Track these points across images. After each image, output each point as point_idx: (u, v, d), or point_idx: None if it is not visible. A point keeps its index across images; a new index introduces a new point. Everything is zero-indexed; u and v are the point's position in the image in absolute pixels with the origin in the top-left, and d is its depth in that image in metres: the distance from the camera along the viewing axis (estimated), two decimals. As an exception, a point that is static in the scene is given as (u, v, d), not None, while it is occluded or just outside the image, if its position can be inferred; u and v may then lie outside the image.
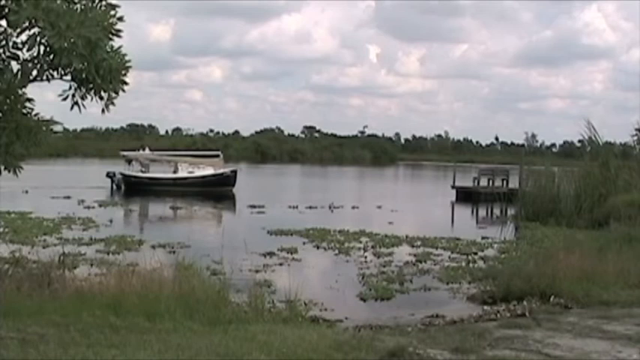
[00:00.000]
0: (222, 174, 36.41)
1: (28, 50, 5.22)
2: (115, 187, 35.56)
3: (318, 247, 17.50)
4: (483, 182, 36.67)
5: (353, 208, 29.95)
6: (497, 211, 30.50)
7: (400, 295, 11.94)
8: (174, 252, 14.64)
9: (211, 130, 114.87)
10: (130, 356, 5.92)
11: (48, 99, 7.16)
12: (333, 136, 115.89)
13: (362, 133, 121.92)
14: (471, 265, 15.06)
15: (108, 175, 36.23)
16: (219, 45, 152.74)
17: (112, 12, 5.30)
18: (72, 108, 5.62)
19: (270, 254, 15.58)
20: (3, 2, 5.12)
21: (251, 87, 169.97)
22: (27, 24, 5.03)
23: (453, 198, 35.90)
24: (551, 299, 9.83)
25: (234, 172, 37.05)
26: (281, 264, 14.66)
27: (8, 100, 5.38)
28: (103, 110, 5.66)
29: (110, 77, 5.46)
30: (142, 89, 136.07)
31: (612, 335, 7.66)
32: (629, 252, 12.65)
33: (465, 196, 35.46)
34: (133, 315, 7.50)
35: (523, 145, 78.82)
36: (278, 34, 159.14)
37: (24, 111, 5.49)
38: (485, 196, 33.38)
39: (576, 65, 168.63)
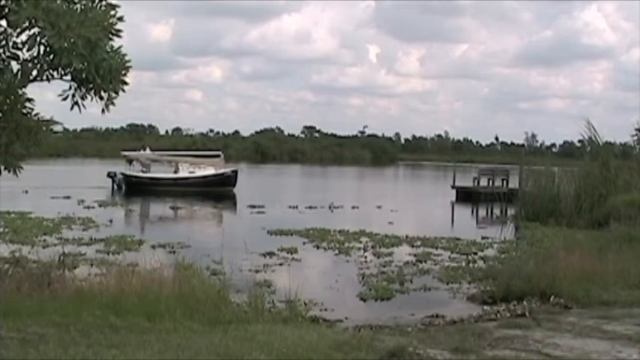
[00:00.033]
0: (223, 174, 36.41)
1: (28, 50, 5.22)
2: (116, 187, 35.56)
3: (318, 247, 17.50)
4: (483, 182, 36.68)
5: (353, 208, 29.95)
6: (497, 211, 30.51)
7: (400, 295, 11.93)
8: (174, 252, 14.66)
9: (211, 130, 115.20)
10: (130, 356, 5.93)
11: (48, 99, 7.16)
12: (333, 136, 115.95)
13: (362, 133, 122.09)
14: (471, 265, 15.06)
15: (109, 175, 36.24)
16: (219, 45, 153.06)
17: (112, 12, 5.29)
18: (72, 108, 5.62)
19: (270, 254, 15.58)
20: (3, 2, 5.11)
21: (251, 87, 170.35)
22: (27, 24, 5.02)
23: (453, 198, 35.90)
24: (551, 299, 9.84)
25: (235, 172, 37.05)
26: (281, 264, 14.66)
27: (8, 100, 5.38)
28: (103, 110, 5.65)
29: (110, 77, 5.45)
30: (142, 89, 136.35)
31: (612, 335, 7.66)
32: (629, 252, 12.66)
33: (465, 196, 35.46)
34: (133, 315, 7.50)
35: (523, 145, 78.98)
36: (278, 34, 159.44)
37: (24, 111, 5.49)
38: (485, 196, 33.36)
39: (576, 65, 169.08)
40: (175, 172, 36.66)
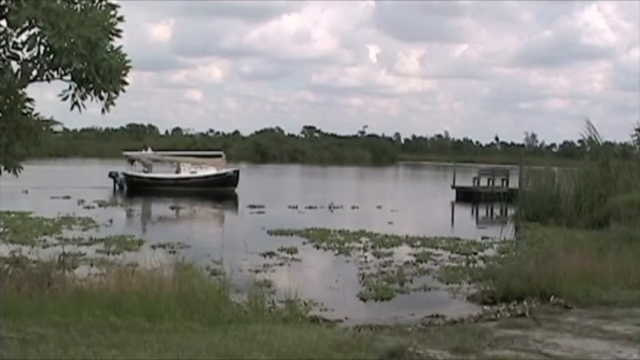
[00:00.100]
0: (224, 174, 36.41)
1: (28, 50, 5.22)
2: (117, 187, 35.56)
3: (318, 247, 17.50)
4: (483, 182, 36.68)
5: (353, 208, 29.94)
6: (497, 211, 30.51)
7: (400, 295, 11.93)
8: (174, 252, 14.66)
9: (211, 130, 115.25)
10: (130, 356, 5.93)
11: (48, 99, 7.17)
12: (333, 136, 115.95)
13: (362, 133, 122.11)
14: (471, 265, 15.06)
15: (110, 175, 36.23)
16: (219, 45, 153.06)
17: (112, 12, 5.29)
18: (72, 108, 5.62)
19: (270, 254, 15.58)
20: (3, 2, 5.11)
21: (251, 87, 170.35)
22: (27, 24, 5.02)
23: (453, 198, 35.90)
24: (551, 299, 9.84)
25: (237, 172, 37.07)
26: (281, 264, 14.66)
27: (8, 100, 5.38)
28: (103, 110, 5.65)
29: (110, 77, 5.45)
30: (142, 89, 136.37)
31: (612, 335, 7.66)
32: (629, 252, 12.67)
33: (465, 196, 35.46)
34: (133, 315, 7.50)
35: (523, 145, 78.95)
36: (278, 34, 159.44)
37: (24, 111, 5.49)
38: (485, 196, 33.37)
39: (576, 65, 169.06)
40: (177, 172, 36.65)
